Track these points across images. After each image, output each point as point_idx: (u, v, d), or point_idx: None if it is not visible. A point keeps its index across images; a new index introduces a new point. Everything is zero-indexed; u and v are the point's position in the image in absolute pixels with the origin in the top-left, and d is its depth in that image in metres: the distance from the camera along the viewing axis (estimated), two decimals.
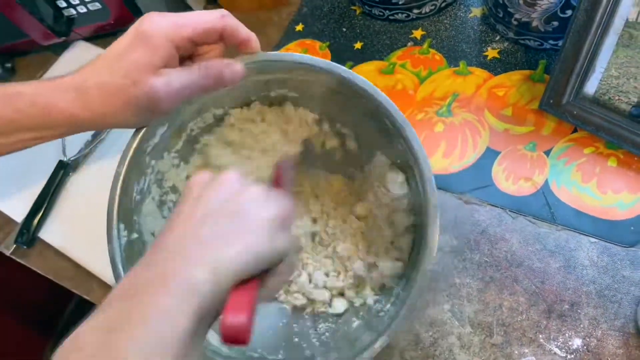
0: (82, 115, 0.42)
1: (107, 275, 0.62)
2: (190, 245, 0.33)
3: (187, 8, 0.81)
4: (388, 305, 0.49)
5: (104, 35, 0.81)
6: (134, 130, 0.48)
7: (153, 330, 0.29)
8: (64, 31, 0.76)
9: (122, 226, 0.47)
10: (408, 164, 0.48)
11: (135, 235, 0.50)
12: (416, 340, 0.52)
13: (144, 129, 0.48)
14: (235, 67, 0.45)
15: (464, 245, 0.56)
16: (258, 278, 0.35)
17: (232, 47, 0.47)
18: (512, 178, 0.58)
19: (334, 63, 0.47)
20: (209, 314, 0.32)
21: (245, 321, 0.31)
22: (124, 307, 0.31)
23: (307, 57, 0.48)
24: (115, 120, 0.42)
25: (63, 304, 1.38)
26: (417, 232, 0.51)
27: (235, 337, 0.31)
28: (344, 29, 0.74)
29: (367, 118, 0.52)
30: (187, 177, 0.57)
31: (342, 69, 0.47)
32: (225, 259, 0.33)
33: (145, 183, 0.52)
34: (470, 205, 0.57)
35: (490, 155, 0.60)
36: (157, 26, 0.41)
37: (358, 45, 0.72)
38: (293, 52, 0.69)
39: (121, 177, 0.47)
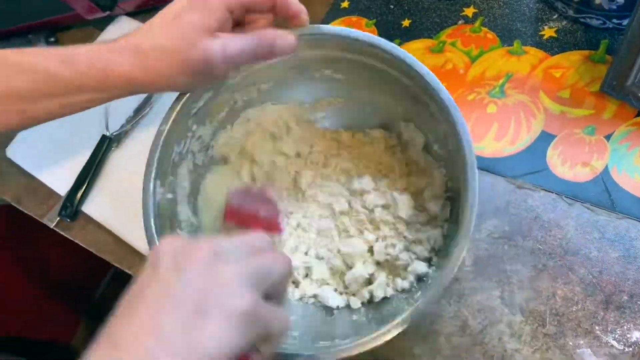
0: (138, 77, 0.41)
1: (147, 248, 0.62)
2: (150, 345, 0.29)
3: None
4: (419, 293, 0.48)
5: (146, 10, 0.80)
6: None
7: None
8: (108, 5, 0.76)
9: (158, 182, 0.48)
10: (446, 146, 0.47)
11: (169, 195, 0.50)
12: (463, 327, 0.51)
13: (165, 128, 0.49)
14: (289, 38, 0.44)
15: (516, 231, 0.53)
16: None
17: (281, 19, 0.47)
18: (568, 163, 0.55)
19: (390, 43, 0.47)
20: None
21: None
22: None
23: (364, 34, 0.47)
24: (169, 82, 0.42)
25: (97, 278, 1.40)
26: (454, 206, 0.50)
27: None
28: (392, 6, 0.72)
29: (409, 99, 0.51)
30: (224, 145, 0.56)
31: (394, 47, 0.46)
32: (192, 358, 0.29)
33: (185, 146, 0.52)
34: (523, 190, 0.55)
35: (545, 138, 0.57)
36: None
37: (406, 22, 0.70)
38: None
39: (163, 136, 0.48)
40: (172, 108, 0.49)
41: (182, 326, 0.30)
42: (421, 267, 0.49)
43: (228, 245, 0.34)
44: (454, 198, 0.51)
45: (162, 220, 0.48)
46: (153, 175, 0.48)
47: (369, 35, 0.48)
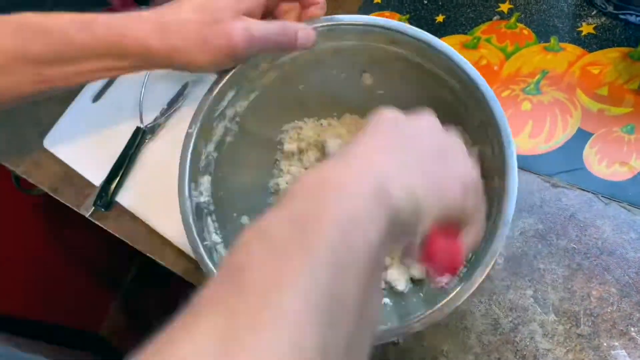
0: (156, 47, 0.41)
1: (179, 240, 0.63)
2: (384, 159, 0.30)
3: None
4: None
5: None
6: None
7: (345, 232, 0.26)
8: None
9: (193, 185, 0.48)
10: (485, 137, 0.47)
11: (202, 199, 0.50)
12: (495, 325, 0.50)
13: (215, 91, 0.49)
14: (309, 31, 0.45)
15: (550, 229, 0.53)
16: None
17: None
18: (605, 162, 0.54)
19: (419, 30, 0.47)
20: (395, 235, 0.29)
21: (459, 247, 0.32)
22: (310, 204, 0.27)
23: (384, 20, 0.48)
24: (188, 57, 0.42)
25: (126, 269, 1.43)
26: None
27: (453, 258, 0.32)
28: (425, 1, 0.71)
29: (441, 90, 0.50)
30: None
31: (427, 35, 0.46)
32: (417, 187, 0.29)
33: (212, 147, 0.53)
34: (558, 188, 0.54)
35: (581, 136, 0.56)
36: None
37: (440, 18, 0.69)
38: None
39: (193, 138, 0.48)
40: (199, 108, 0.49)
41: (417, 160, 0.31)
42: None
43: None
44: (490, 196, 0.50)
45: (201, 220, 0.49)
46: (187, 178, 0.48)
47: (415, 29, 0.48)
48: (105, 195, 0.67)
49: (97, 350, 1.32)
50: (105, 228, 0.69)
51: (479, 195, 0.34)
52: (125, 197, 0.68)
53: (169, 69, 0.44)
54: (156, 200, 0.66)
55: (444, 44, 0.47)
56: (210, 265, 0.46)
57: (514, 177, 0.41)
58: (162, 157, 0.69)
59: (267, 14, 0.46)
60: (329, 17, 0.48)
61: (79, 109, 0.74)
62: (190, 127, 0.49)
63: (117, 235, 0.68)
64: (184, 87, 0.71)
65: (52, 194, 0.73)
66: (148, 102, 0.71)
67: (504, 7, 0.67)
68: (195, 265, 0.62)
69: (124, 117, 0.72)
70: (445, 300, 0.38)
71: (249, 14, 0.42)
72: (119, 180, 0.68)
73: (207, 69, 0.47)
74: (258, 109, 0.55)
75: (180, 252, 0.63)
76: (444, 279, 0.33)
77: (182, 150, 0.48)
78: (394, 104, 0.54)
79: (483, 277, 0.38)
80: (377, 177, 0.28)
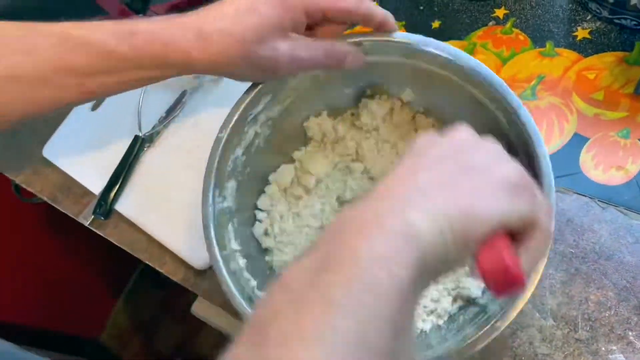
0: (198, 58, 0.41)
1: (179, 248, 0.63)
2: (407, 190, 0.29)
3: None
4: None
5: (178, 12, 0.82)
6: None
7: (367, 275, 0.25)
8: (141, 8, 0.77)
9: (217, 191, 0.47)
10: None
11: (226, 204, 0.50)
12: None
13: (252, 95, 0.48)
14: (359, 55, 0.44)
15: None
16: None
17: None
18: (602, 166, 0.55)
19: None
20: (433, 270, 0.28)
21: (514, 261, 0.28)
22: (331, 249, 0.27)
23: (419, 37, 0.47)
24: (228, 69, 0.42)
25: (126, 275, 1.43)
26: None
27: (511, 275, 0.28)
28: (421, 7, 0.72)
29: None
30: None
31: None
32: (447, 210, 0.28)
33: (241, 151, 0.52)
34: (555, 193, 0.54)
35: (578, 141, 0.57)
36: None
37: (435, 24, 0.70)
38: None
39: (222, 143, 0.47)
40: (230, 114, 0.48)
41: (440, 181, 0.29)
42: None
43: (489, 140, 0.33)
44: None
45: (223, 228, 0.48)
46: (212, 185, 0.47)
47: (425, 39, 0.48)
48: (105, 204, 0.67)
49: (96, 356, 1.32)
50: (105, 236, 0.69)
51: (534, 196, 0.31)
52: (125, 206, 0.68)
53: (211, 75, 0.43)
54: (155, 208, 0.66)
55: (489, 70, 0.47)
56: (225, 272, 0.45)
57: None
58: (161, 165, 0.69)
59: (311, 27, 0.45)
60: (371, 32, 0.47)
61: (78, 118, 0.74)
62: (220, 131, 0.48)
63: (116, 244, 0.68)
64: (182, 94, 0.71)
65: (51, 203, 0.73)
66: (146, 111, 0.71)
67: (500, 13, 0.67)
68: (195, 273, 0.62)
69: (123, 126, 0.72)
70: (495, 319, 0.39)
71: (294, 30, 0.41)
72: (118, 189, 0.68)
73: (244, 80, 0.46)
74: (291, 113, 0.54)
75: (179, 260, 0.63)
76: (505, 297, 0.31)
77: (210, 155, 0.47)
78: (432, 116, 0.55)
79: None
80: (400, 215, 0.27)
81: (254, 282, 0.48)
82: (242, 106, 0.48)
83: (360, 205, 0.29)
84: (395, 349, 0.25)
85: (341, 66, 0.44)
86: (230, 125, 0.48)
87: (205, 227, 0.46)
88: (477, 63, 0.47)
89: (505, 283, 0.29)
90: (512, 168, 0.31)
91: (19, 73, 0.42)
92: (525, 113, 0.45)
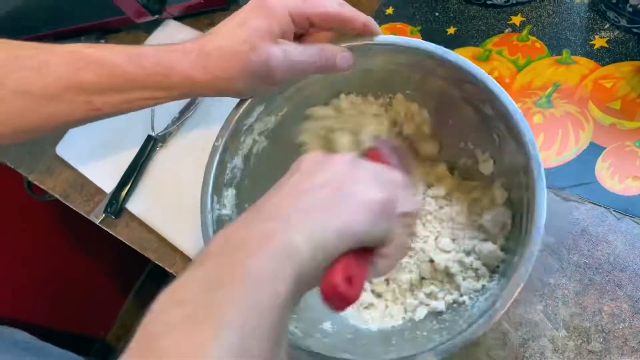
0: (199, 78, 0.42)
1: (189, 248, 0.63)
2: (290, 211, 0.33)
3: None
4: (481, 299, 0.47)
5: (193, 14, 0.82)
6: (230, 105, 0.49)
7: (253, 293, 0.28)
8: (157, 9, 0.78)
9: (215, 198, 0.48)
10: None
11: (225, 211, 0.50)
12: (504, 340, 0.50)
13: (244, 106, 0.49)
14: (348, 55, 0.45)
15: (561, 244, 0.52)
16: (368, 252, 0.35)
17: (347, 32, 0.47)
18: (618, 176, 0.54)
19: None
20: (305, 284, 0.32)
21: (353, 280, 0.32)
22: (223, 265, 0.30)
23: (410, 40, 0.48)
24: (228, 85, 0.43)
25: (134, 275, 1.43)
26: (516, 210, 0.48)
27: (341, 296, 0.32)
28: (437, 13, 0.71)
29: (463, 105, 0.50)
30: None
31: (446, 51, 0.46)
32: (323, 231, 0.32)
33: (239, 160, 0.52)
34: (569, 202, 0.54)
35: (593, 150, 0.56)
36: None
37: (451, 30, 0.69)
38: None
39: (218, 152, 0.48)
40: (227, 121, 0.49)
41: (320, 204, 0.33)
42: (482, 279, 0.49)
43: (367, 164, 0.38)
44: (513, 212, 0.50)
45: None
46: (210, 191, 0.48)
47: (425, 43, 0.48)
48: (116, 203, 0.68)
49: (103, 356, 1.32)
50: (115, 235, 0.69)
51: (391, 219, 0.36)
52: (136, 205, 0.68)
53: (214, 96, 0.45)
54: (166, 208, 0.66)
55: (481, 71, 0.47)
56: None
57: (543, 213, 0.41)
58: (173, 166, 0.69)
59: (300, 36, 0.46)
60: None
61: None
62: (217, 140, 0.49)
63: (126, 243, 0.68)
64: (195, 97, 0.71)
65: (63, 201, 0.74)
66: (160, 111, 0.71)
67: (516, 20, 0.67)
68: None
69: (136, 125, 0.72)
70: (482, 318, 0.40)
71: (283, 37, 0.43)
72: (129, 188, 0.68)
73: (246, 94, 0.48)
74: (287, 123, 0.55)
75: (189, 260, 0.63)
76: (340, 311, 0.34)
77: (208, 163, 0.48)
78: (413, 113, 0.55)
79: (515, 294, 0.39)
80: (283, 236, 0.31)
81: None
82: (236, 117, 0.49)
83: (246, 223, 0.33)
84: (273, 356, 0.28)
85: (334, 68, 0.45)
86: (226, 134, 0.48)
87: (204, 233, 0.46)
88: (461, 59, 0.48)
89: (333, 298, 0.32)
90: (379, 192, 0.35)
91: (29, 89, 0.43)
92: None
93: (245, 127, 0.51)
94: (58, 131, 0.47)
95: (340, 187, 0.34)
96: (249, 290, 0.28)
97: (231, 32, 0.42)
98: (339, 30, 0.46)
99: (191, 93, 0.45)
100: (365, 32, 0.47)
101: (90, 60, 0.43)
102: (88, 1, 0.82)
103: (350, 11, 0.45)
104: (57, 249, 1.23)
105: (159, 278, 1.40)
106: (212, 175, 0.48)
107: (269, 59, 0.41)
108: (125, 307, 1.41)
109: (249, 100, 0.49)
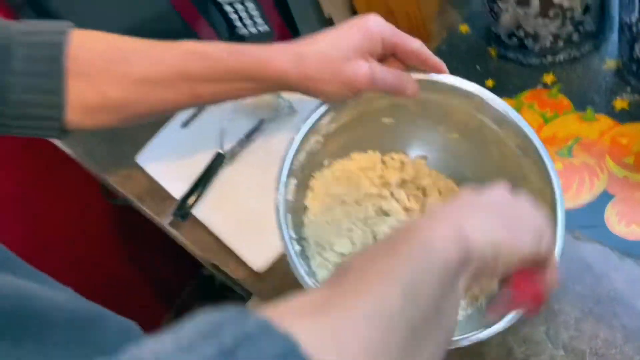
0: (293, 75, 0.49)
1: (243, 252, 0.73)
2: (463, 215, 0.36)
3: (330, 23, 0.91)
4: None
5: None
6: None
7: (423, 251, 0.33)
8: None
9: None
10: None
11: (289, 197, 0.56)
12: (508, 354, 0.57)
13: (301, 136, 0.56)
14: (416, 86, 0.53)
15: (567, 275, 0.59)
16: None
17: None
18: (624, 221, 0.61)
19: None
20: (469, 273, 0.35)
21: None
22: (399, 237, 0.35)
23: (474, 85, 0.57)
24: (316, 85, 0.50)
25: (183, 283, 1.53)
26: None
27: (535, 300, 0.41)
28: (478, 67, 0.80)
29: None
30: None
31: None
32: (493, 233, 0.36)
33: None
34: (578, 240, 0.61)
35: (605, 198, 0.63)
36: (378, 24, 0.50)
37: (489, 82, 0.78)
38: None
39: (298, 142, 0.55)
40: (289, 153, 0.55)
41: (491, 216, 0.37)
42: None
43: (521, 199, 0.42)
44: None
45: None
46: (285, 175, 0.54)
47: (480, 88, 0.57)
48: (184, 208, 0.79)
49: None
50: (179, 235, 0.80)
51: (550, 242, 0.41)
52: (201, 211, 0.79)
53: (301, 94, 0.52)
54: (227, 216, 0.77)
55: (527, 126, 0.56)
56: (293, 252, 0.52)
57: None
58: (236, 180, 0.80)
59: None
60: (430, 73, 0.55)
61: (170, 132, 0.86)
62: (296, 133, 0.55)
63: (187, 244, 0.79)
64: (260, 122, 0.82)
65: (138, 203, 0.85)
66: (229, 132, 0.82)
67: (548, 79, 0.75)
68: (254, 274, 0.71)
69: (207, 143, 0.83)
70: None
71: (371, 55, 0.50)
72: (197, 196, 0.79)
73: (332, 98, 0.53)
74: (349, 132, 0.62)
75: (242, 263, 0.73)
76: (524, 314, 0.43)
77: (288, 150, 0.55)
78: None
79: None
80: (457, 227, 0.34)
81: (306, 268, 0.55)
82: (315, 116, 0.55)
83: (430, 218, 0.37)
84: (437, 309, 0.32)
85: (403, 93, 0.52)
86: (306, 129, 0.55)
87: (277, 211, 0.53)
88: (511, 110, 0.56)
89: (533, 303, 0.41)
90: (539, 219, 0.40)
91: (150, 77, 0.52)
92: (552, 165, 0.52)
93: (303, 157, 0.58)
94: (161, 115, 0.56)
95: (504, 210, 0.39)
96: (420, 249, 0.33)
97: (330, 42, 0.49)
98: (414, 64, 0.53)
99: (283, 87, 0.51)
100: (434, 71, 0.54)
101: (199, 55, 0.51)
102: (171, 30, 0.95)
103: (429, 52, 0.53)
104: (113, 252, 1.33)
105: (203, 292, 1.49)
106: (290, 161, 0.54)
107: (359, 71, 0.48)
108: (168, 320, 1.48)
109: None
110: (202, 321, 0.25)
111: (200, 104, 0.54)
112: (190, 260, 1.38)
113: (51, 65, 0.50)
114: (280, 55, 0.50)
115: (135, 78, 0.52)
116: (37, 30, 0.52)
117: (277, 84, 0.51)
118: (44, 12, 0.89)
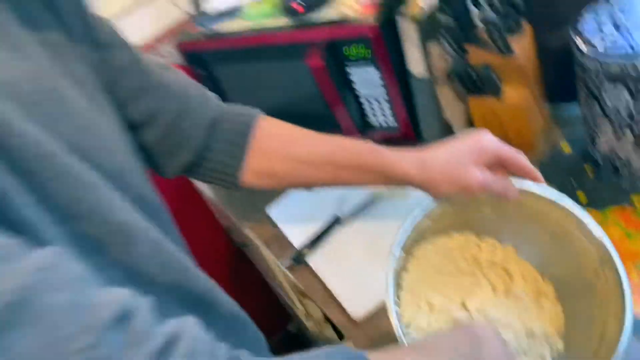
0: (414, 176, 0.60)
1: (344, 299, 0.85)
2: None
3: (449, 129, 1.04)
4: None
5: (386, 143, 1.09)
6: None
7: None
8: (363, 131, 1.07)
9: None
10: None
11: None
12: None
13: (416, 220, 0.65)
14: (517, 191, 0.63)
15: None
16: None
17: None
18: None
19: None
20: None
21: None
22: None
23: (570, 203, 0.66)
24: (434, 185, 0.60)
25: (270, 334, 1.66)
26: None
27: None
28: (572, 180, 0.91)
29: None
30: None
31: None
32: None
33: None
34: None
35: None
36: (491, 141, 0.60)
37: (581, 195, 0.88)
38: None
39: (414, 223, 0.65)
40: (403, 232, 0.63)
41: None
42: None
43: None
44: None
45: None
46: (398, 252, 0.62)
47: (575, 205, 0.65)
48: (301, 255, 0.94)
49: None
50: (293, 277, 0.94)
51: None
52: (314, 260, 0.93)
53: (417, 189, 0.62)
54: (336, 268, 0.90)
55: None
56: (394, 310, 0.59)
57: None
58: (349, 240, 0.94)
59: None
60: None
61: (297, 193, 1.04)
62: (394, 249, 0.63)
63: (299, 285, 0.93)
64: (376, 197, 0.97)
65: (264, 246, 1.02)
66: (348, 200, 0.98)
67: (636, 199, 0.84)
68: (351, 321, 0.83)
69: (327, 207, 0.99)
70: None
71: (484, 164, 0.59)
72: (313, 247, 0.94)
73: (440, 196, 0.62)
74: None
75: (341, 308, 0.85)
76: None
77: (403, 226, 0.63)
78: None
79: None
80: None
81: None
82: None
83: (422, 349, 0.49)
84: None
85: (505, 197, 0.60)
86: (421, 214, 0.64)
87: (386, 280, 0.62)
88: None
89: None
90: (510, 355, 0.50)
91: (307, 160, 0.67)
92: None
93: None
94: (305, 189, 0.72)
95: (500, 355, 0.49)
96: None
97: (451, 152, 0.58)
98: (517, 174, 0.62)
99: (406, 184, 0.62)
100: (533, 181, 0.64)
101: (346, 149, 0.65)
102: (316, 119, 1.12)
103: (531, 165, 0.61)
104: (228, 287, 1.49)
105: (292, 343, 1.58)
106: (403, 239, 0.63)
107: (473, 179, 0.57)
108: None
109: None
110: (325, 348, 0.39)
111: (337, 185, 0.67)
112: (280, 314, 1.53)
113: (241, 140, 0.69)
114: (407, 159, 0.61)
115: (297, 159, 0.67)
116: (238, 112, 0.70)
117: (402, 181, 0.62)
118: (217, 90, 1.09)
